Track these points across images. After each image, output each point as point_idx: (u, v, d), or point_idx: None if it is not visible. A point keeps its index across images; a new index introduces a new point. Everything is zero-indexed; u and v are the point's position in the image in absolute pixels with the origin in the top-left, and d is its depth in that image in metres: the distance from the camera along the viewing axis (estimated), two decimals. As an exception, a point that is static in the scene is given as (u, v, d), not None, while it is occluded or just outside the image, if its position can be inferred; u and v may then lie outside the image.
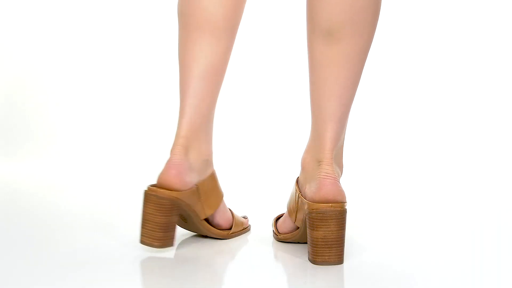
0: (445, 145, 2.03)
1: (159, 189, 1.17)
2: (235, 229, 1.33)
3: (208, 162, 1.26)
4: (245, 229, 1.36)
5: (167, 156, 1.22)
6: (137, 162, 2.04)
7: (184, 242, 1.27)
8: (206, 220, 1.29)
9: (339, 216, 1.09)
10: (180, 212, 1.20)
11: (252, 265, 1.15)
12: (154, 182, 1.20)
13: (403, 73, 2.20)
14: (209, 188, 1.26)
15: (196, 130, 1.21)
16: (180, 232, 1.33)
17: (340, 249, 1.10)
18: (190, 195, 1.20)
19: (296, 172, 1.32)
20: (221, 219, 1.30)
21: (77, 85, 2.26)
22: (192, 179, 1.21)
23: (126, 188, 1.79)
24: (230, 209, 1.34)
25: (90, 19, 2.29)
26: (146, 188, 1.18)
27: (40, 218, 1.48)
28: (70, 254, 1.20)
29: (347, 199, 1.13)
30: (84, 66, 2.26)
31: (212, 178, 1.28)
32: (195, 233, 1.32)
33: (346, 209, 1.11)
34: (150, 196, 1.17)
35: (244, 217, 1.41)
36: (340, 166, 1.22)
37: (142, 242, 1.17)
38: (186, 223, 1.28)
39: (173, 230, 1.18)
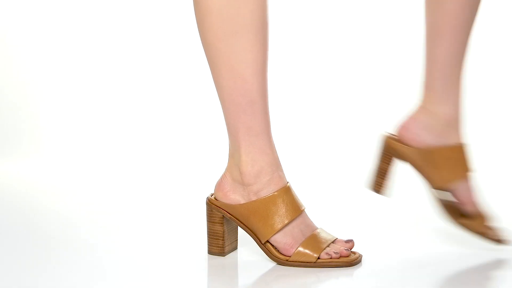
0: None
1: None
2: None
3: None
4: None
5: (166, 156, 1.22)
6: (137, 162, 2.04)
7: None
8: None
9: None
10: None
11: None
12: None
13: (404, 73, 2.20)
14: None
15: None
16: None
17: None
18: None
19: (294, 171, 1.31)
20: None
21: (76, 85, 2.27)
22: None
23: (125, 188, 1.80)
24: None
25: (88, 19, 2.29)
26: None
27: (39, 218, 1.49)
28: (69, 253, 1.21)
29: None
30: (83, 67, 2.27)
31: None
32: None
33: None
34: None
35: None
36: None
37: None
38: None
39: None
